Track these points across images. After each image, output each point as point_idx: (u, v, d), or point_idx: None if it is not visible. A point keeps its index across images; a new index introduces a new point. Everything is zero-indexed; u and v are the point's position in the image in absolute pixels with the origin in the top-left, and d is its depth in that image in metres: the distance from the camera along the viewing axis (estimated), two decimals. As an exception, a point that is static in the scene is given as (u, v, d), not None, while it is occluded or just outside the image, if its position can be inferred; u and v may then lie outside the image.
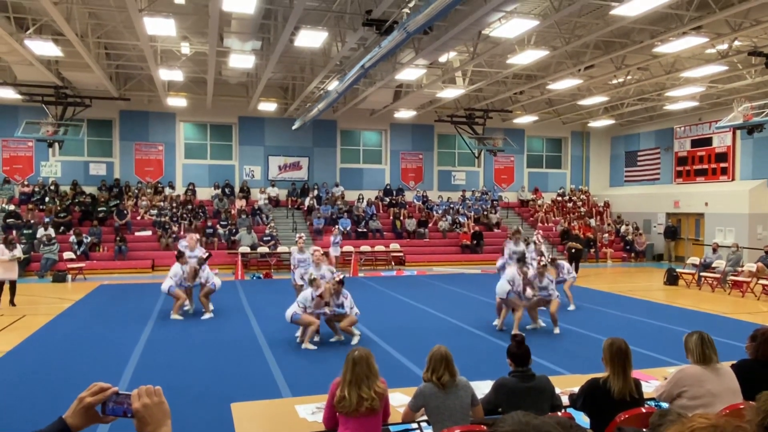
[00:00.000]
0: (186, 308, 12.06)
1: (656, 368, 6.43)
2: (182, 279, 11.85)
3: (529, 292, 10.49)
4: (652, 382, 5.24)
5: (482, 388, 4.77)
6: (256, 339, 9.84)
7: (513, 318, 10.33)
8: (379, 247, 22.48)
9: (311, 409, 4.74)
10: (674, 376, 4.24)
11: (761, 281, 15.23)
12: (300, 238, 13.75)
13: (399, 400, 4.79)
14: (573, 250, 18.77)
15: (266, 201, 24.51)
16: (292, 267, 12.90)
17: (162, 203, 23.09)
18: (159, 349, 9.08)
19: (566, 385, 5.04)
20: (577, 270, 19.29)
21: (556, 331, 10.41)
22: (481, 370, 7.07)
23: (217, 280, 12.29)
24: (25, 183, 22.67)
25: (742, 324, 11.10)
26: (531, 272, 10.75)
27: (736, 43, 15.70)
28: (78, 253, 19.33)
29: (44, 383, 7.25)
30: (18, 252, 13.04)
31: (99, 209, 21.84)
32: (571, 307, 12.64)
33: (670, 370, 5.14)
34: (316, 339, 9.45)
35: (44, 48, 15.20)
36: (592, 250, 24.51)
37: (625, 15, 12.46)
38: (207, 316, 11.76)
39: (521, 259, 11.02)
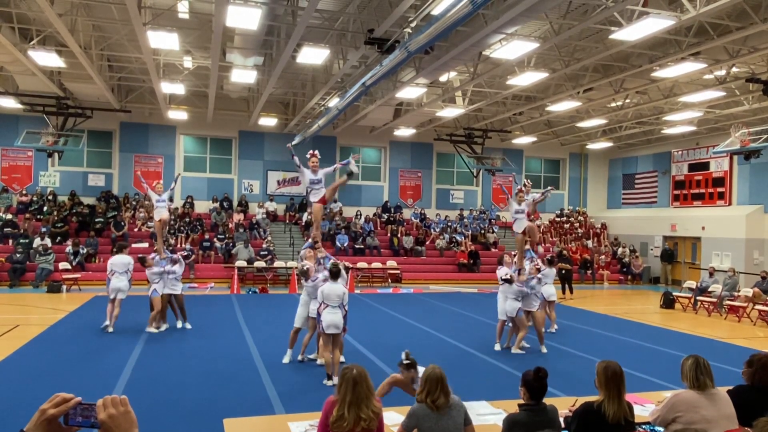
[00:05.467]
0: (162, 328, 11.64)
1: (651, 392, 6.41)
2: (165, 275, 11.61)
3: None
4: (647, 406, 5.21)
5: (476, 408, 4.75)
6: (250, 354, 9.78)
7: (515, 338, 10.56)
8: (376, 264, 22.45)
9: (304, 427, 4.71)
10: (669, 400, 4.23)
11: (757, 306, 15.22)
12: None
13: (393, 419, 4.76)
14: (563, 271, 18.92)
15: (264, 215, 24.51)
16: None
17: (160, 215, 23.04)
18: (152, 363, 9.01)
19: (561, 406, 5.00)
20: (571, 291, 19.34)
21: (543, 350, 10.44)
22: (475, 390, 7.04)
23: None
24: (24, 192, 22.64)
25: (739, 349, 11.08)
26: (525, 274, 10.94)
27: (734, 69, 15.86)
28: (74, 263, 19.27)
29: (35, 395, 7.17)
30: None
31: (96, 220, 21.81)
32: (552, 329, 12.52)
33: (665, 393, 5.12)
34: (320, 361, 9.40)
35: (47, 59, 15.30)
36: (589, 272, 24.51)
37: (625, 39, 12.58)
38: (186, 325, 11.87)
39: (509, 281, 10.96)
